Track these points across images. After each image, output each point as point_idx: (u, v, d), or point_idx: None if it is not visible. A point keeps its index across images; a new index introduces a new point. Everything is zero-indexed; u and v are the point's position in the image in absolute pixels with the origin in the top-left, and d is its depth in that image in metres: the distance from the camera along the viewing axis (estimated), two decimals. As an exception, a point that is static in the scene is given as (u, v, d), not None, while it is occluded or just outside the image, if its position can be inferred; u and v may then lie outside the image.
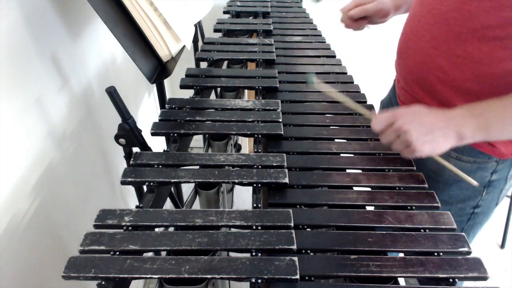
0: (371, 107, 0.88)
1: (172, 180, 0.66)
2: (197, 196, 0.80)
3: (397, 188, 0.68)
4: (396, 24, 1.12)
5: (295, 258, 0.53)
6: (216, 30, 1.23)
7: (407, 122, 0.62)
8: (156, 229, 0.59)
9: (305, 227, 0.60)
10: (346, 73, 1.02)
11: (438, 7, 0.69)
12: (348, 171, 0.72)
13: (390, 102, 0.95)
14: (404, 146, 0.63)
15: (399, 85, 0.85)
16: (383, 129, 0.65)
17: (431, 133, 0.61)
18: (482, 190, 0.80)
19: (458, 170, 0.68)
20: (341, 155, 0.76)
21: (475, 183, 0.67)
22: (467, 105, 0.64)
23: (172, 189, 0.85)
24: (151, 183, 0.66)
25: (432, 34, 0.71)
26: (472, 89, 0.68)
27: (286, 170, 0.68)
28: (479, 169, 0.77)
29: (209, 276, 0.51)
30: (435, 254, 0.56)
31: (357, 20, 0.90)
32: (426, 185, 0.68)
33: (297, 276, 0.51)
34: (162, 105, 1.18)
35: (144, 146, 0.76)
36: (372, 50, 1.81)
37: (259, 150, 0.75)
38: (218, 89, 1.16)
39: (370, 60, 1.90)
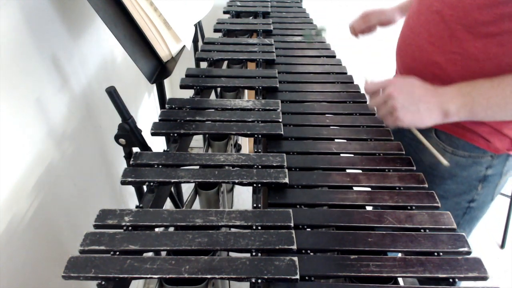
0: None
1: (172, 180, 0.66)
2: (197, 196, 0.80)
3: (397, 188, 0.68)
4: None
5: (295, 258, 0.53)
6: (216, 30, 1.23)
7: (398, 89, 0.65)
8: (156, 229, 0.59)
9: (305, 227, 0.60)
10: (346, 73, 1.02)
11: (436, 4, 0.70)
12: (348, 171, 0.72)
13: None
14: (388, 113, 0.66)
15: None
16: (374, 91, 0.68)
17: (416, 105, 0.64)
18: (477, 184, 0.81)
19: (432, 147, 0.70)
20: (341, 155, 0.76)
21: (446, 163, 0.69)
22: (458, 83, 0.65)
23: (172, 189, 0.85)
24: (151, 183, 0.66)
25: (429, 31, 0.72)
26: None
27: (286, 170, 0.68)
28: (474, 163, 0.79)
29: (209, 276, 0.51)
30: (435, 254, 0.56)
31: (364, 30, 1.00)
32: (426, 185, 0.68)
33: (297, 276, 0.51)
34: (162, 105, 1.19)
35: (144, 146, 0.76)
36: (373, 49, 1.82)
37: (259, 150, 0.75)
38: (218, 89, 1.16)
39: (371, 60, 1.90)
